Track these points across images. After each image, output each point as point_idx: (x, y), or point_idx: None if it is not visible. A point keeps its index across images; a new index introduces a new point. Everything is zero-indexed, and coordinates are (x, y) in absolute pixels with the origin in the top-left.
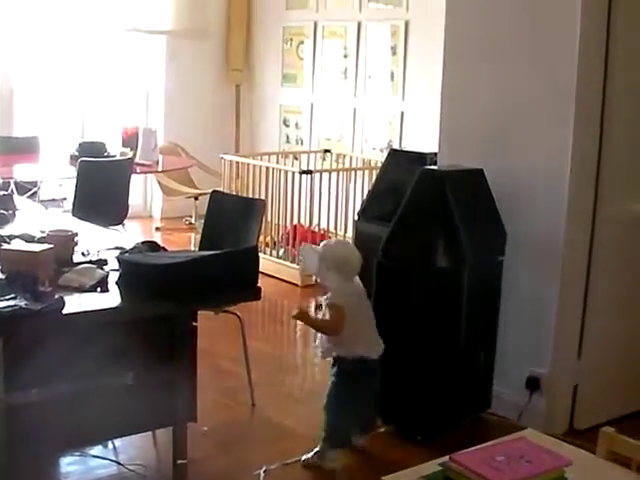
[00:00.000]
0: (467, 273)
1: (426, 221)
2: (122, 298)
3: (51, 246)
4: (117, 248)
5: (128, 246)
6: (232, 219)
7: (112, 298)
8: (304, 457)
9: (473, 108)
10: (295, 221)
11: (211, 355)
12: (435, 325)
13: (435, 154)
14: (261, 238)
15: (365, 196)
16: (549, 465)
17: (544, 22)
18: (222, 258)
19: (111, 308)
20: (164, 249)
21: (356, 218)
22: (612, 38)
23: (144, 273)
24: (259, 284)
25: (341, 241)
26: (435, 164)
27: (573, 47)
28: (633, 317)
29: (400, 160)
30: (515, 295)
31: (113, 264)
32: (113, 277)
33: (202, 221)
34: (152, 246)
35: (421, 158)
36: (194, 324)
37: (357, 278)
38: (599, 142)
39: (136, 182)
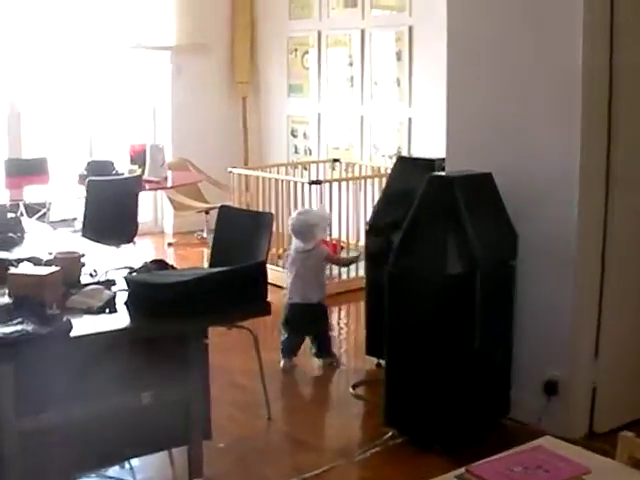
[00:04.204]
0: (479, 278)
1: (436, 228)
2: (131, 318)
3: (58, 269)
4: (125, 267)
5: (137, 265)
6: (241, 234)
7: (120, 319)
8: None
9: (479, 110)
10: None
11: (225, 370)
12: (449, 332)
13: (443, 160)
14: (273, 250)
15: (375, 204)
16: (567, 474)
17: (546, 18)
18: (230, 275)
19: (119, 329)
20: (172, 267)
21: (366, 227)
22: (616, 28)
23: (151, 293)
24: (269, 298)
25: (299, 210)
26: (443, 170)
27: (577, 42)
28: None
29: (408, 167)
30: (529, 297)
31: (121, 284)
32: (121, 297)
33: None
34: (160, 265)
35: (429, 164)
36: (205, 341)
37: (320, 248)
38: (607, 136)
39: (146, 199)
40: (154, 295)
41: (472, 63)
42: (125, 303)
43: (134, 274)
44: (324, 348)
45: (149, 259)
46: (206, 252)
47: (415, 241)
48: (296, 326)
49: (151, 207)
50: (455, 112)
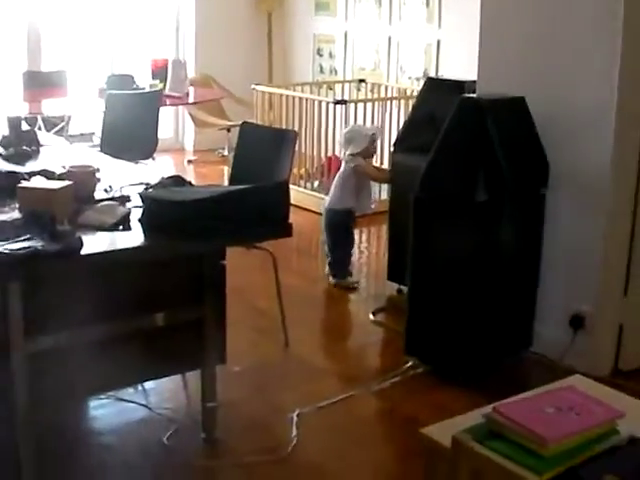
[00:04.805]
0: (508, 206)
1: (465, 152)
2: (145, 237)
3: (70, 183)
4: (142, 184)
5: (153, 181)
6: (263, 151)
7: (134, 237)
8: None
9: (513, 33)
10: (330, 153)
11: (244, 292)
12: (475, 260)
13: (474, 82)
14: (295, 170)
15: (401, 126)
16: (600, 417)
17: None
18: (249, 193)
19: (133, 247)
20: (190, 184)
21: (392, 149)
22: None
23: (167, 210)
24: (291, 219)
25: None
26: (474, 93)
27: None
28: None
29: (437, 89)
30: (559, 229)
31: (136, 201)
32: (136, 215)
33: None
34: (177, 181)
35: (459, 87)
36: (222, 262)
37: (354, 160)
38: None
39: (167, 115)
40: (170, 213)
41: None
42: (139, 220)
43: (150, 190)
44: (335, 266)
45: (166, 175)
46: (227, 170)
47: (443, 166)
48: (325, 231)
49: (172, 123)
50: (488, 33)
